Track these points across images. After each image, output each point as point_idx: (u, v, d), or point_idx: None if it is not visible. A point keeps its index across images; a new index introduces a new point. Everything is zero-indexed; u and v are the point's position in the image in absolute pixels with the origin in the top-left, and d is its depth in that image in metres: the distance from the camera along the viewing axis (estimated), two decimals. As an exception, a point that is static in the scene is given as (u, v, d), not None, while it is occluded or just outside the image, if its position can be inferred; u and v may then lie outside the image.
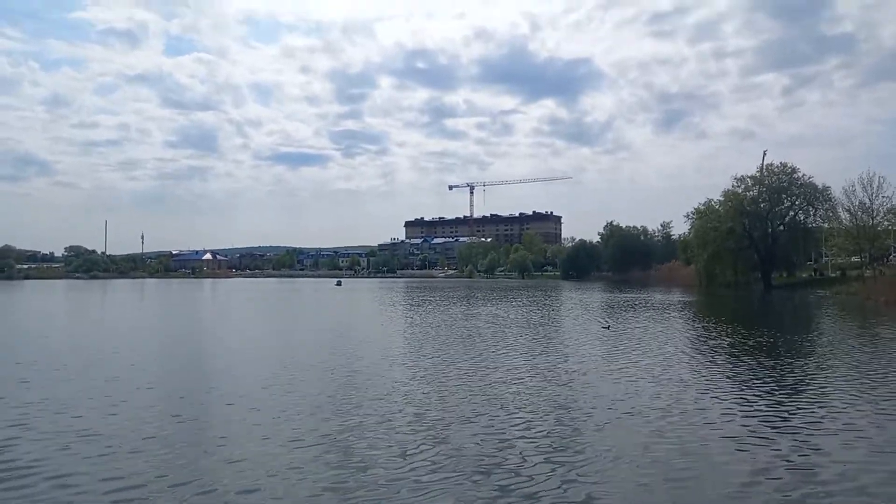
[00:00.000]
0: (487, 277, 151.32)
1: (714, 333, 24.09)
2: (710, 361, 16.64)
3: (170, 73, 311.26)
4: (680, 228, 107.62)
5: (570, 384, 13.26)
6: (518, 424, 9.86)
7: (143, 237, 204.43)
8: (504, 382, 13.38)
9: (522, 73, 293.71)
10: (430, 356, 17.58)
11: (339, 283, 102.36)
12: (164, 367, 16.62)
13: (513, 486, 7.12)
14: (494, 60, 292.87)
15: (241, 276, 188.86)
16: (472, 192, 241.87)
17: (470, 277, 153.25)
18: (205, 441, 9.08)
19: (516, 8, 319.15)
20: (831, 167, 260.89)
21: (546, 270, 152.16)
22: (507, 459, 8.10)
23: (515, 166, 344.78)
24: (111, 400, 11.70)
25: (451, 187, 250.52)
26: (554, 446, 8.68)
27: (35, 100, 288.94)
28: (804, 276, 70.48)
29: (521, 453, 8.35)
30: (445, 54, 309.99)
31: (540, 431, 9.48)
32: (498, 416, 10.42)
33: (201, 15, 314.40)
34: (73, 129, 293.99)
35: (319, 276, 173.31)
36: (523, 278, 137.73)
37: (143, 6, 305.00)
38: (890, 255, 61.07)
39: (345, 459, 8.11)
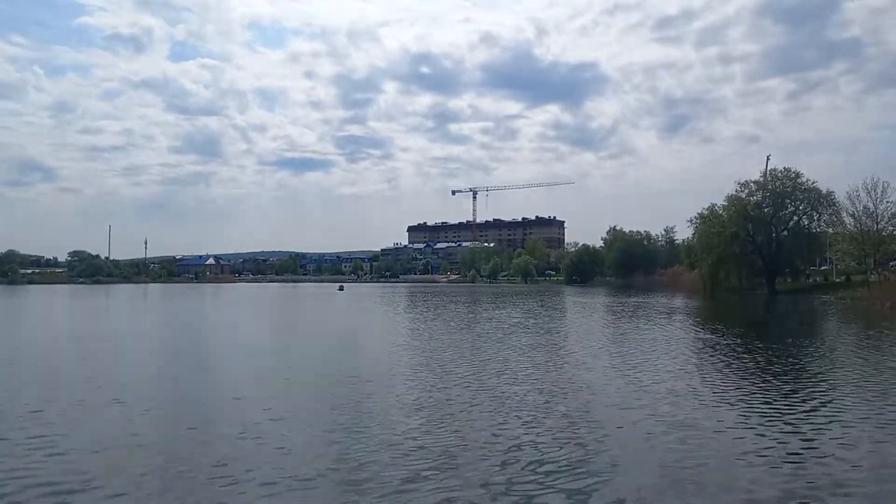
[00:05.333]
0: (490, 282, 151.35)
1: (722, 340, 24.10)
2: (719, 369, 16.66)
3: (175, 78, 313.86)
4: (683, 233, 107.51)
5: (580, 390, 13.32)
6: (526, 424, 9.96)
7: (146, 242, 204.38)
8: (508, 383, 13.48)
9: (527, 78, 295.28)
10: (454, 367, 17.62)
11: (341, 289, 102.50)
12: (169, 382, 16.68)
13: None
14: (499, 65, 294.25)
15: (244, 281, 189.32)
16: (475, 197, 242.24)
17: (473, 282, 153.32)
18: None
19: (522, 13, 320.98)
20: (837, 172, 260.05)
21: (549, 275, 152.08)
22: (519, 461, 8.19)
23: (519, 171, 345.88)
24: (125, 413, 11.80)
25: (454, 192, 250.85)
26: (563, 458, 8.72)
27: (40, 105, 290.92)
28: (809, 281, 70.41)
29: (530, 452, 8.45)
30: (450, 59, 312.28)
31: (551, 437, 9.54)
32: (510, 418, 10.51)
33: (206, 20, 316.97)
34: (78, 135, 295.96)
35: (322, 281, 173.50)
36: (526, 283, 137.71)
37: (149, 11, 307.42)
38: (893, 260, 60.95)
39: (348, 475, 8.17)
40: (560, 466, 8.02)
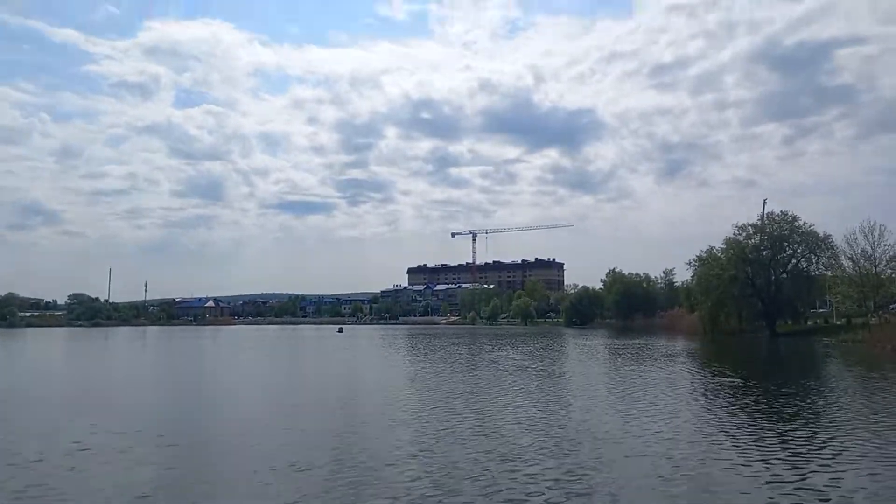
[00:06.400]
0: (490, 324, 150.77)
1: (726, 383, 24.11)
2: (725, 415, 16.70)
3: (179, 124, 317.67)
4: (682, 276, 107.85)
5: (588, 437, 13.37)
6: (529, 460, 10.04)
7: (146, 285, 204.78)
8: (515, 430, 13.55)
9: (526, 124, 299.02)
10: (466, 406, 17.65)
11: (340, 331, 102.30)
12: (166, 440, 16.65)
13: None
14: (499, 111, 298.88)
15: (243, 323, 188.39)
16: (474, 240, 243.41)
17: (473, 324, 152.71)
18: None
19: (521, 61, 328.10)
20: (833, 216, 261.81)
21: (549, 317, 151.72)
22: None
23: (518, 214, 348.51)
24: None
25: (454, 234, 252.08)
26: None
27: (45, 150, 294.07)
28: (809, 323, 70.31)
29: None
30: (450, 105, 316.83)
31: (562, 490, 9.62)
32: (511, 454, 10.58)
33: (212, 68, 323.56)
34: (82, 180, 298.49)
35: (322, 323, 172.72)
36: (526, 325, 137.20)
37: (155, 60, 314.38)
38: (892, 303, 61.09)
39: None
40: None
